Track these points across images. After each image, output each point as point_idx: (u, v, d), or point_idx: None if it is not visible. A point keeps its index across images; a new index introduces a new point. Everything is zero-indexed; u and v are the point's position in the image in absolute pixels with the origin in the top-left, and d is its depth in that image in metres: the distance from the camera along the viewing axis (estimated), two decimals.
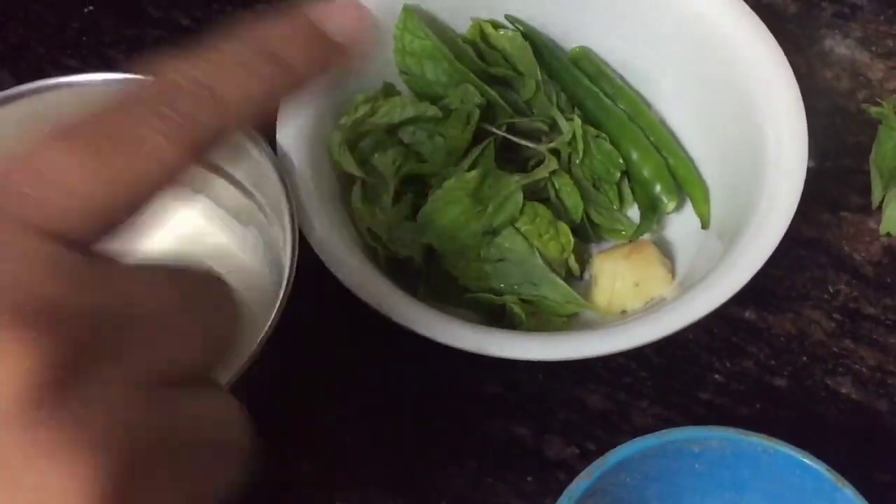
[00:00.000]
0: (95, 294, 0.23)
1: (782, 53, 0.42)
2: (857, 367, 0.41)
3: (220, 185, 0.42)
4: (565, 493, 0.34)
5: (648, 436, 0.35)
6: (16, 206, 0.23)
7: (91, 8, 0.50)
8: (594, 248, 0.43)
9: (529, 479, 0.39)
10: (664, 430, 0.35)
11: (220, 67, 0.25)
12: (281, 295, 0.37)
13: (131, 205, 0.24)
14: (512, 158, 0.43)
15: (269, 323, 0.36)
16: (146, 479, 0.22)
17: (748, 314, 0.42)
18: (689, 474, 0.36)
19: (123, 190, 0.23)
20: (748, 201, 0.39)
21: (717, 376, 0.41)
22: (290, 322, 0.38)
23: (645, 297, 0.40)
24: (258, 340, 0.36)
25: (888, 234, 0.41)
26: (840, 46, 0.49)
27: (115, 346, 0.22)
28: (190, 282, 0.25)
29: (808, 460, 0.34)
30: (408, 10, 0.42)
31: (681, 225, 0.43)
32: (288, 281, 0.37)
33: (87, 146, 0.23)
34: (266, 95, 0.25)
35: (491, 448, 0.40)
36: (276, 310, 0.37)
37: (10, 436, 0.20)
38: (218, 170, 0.42)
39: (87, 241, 0.23)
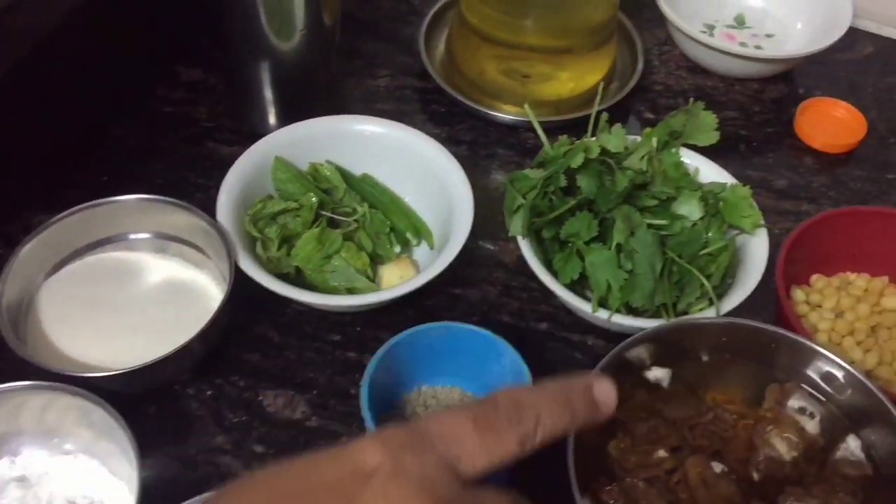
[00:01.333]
0: (468, 501, 0.33)
1: (463, 171, 0.68)
2: (509, 309, 0.68)
3: (187, 249, 0.66)
4: (375, 354, 0.56)
5: (408, 330, 0.58)
6: (439, 448, 0.33)
7: None
8: (380, 265, 0.69)
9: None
10: (417, 327, 0.59)
11: (544, 402, 0.35)
12: (222, 299, 0.60)
13: (488, 466, 0.34)
14: (337, 225, 0.70)
15: (215, 312, 0.59)
16: None
17: (457, 290, 0.69)
18: (428, 349, 0.59)
19: (490, 460, 0.34)
20: (447, 236, 0.66)
21: (444, 321, 0.69)
22: (229, 310, 0.62)
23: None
24: (208, 320, 0.59)
25: (514, 238, 0.66)
26: (489, 170, 0.79)
27: None
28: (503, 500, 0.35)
29: (481, 330, 0.58)
30: (278, 158, 0.69)
31: (422, 248, 0.70)
32: (228, 289, 0.61)
33: (480, 429, 0.34)
34: (559, 428, 0.36)
35: (332, 361, 0.65)
36: (219, 307, 0.60)
37: None
38: (185, 241, 0.68)
39: (465, 478, 0.34)
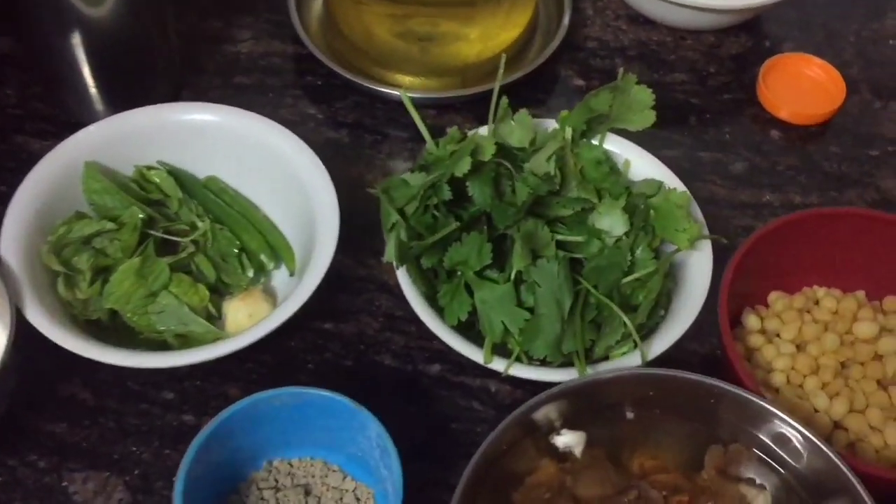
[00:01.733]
0: None
1: (326, 172, 0.57)
2: (393, 347, 0.59)
3: None
4: (196, 438, 0.47)
5: (241, 402, 0.49)
6: None
7: None
8: (228, 297, 0.58)
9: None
10: (256, 395, 0.49)
11: None
12: (2, 356, 0.50)
13: None
14: (173, 248, 0.58)
15: None
16: None
17: (326, 325, 0.59)
18: (277, 417, 0.50)
19: None
20: (310, 256, 0.56)
21: (309, 366, 0.58)
22: (18, 368, 0.52)
23: (256, 322, 0.57)
24: None
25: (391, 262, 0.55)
26: (376, 161, 0.67)
27: None
28: None
29: (338, 397, 0.48)
30: (88, 164, 0.58)
31: (282, 272, 0.60)
32: (8, 342, 0.50)
33: None
34: None
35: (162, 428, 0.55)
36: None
37: None
38: None
39: None
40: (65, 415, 0.55)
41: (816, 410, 0.54)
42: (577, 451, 0.50)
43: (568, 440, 0.50)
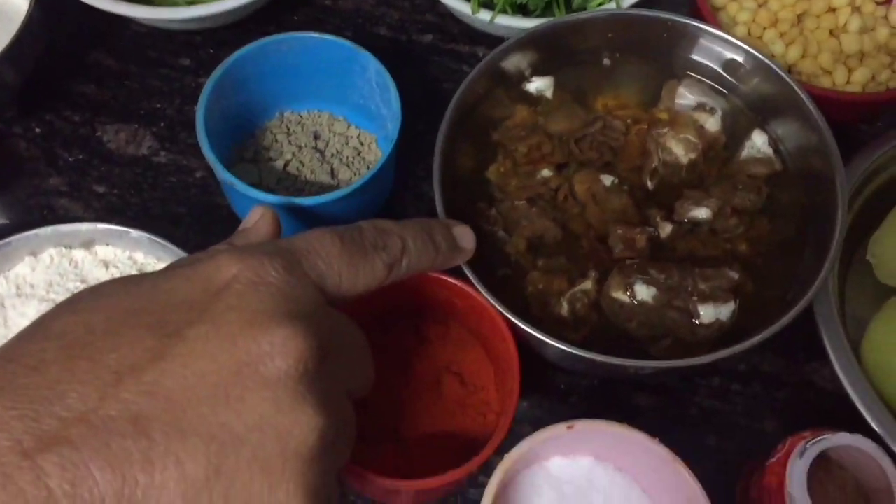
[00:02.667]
0: (328, 323, 0.32)
1: None
2: (388, 20, 0.62)
3: None
4: (211, 76, 0.50)
5: (252, 43, 0.52)
6: (304, 264, 0.33)
7: None
8: None
9: None
10: (263, 39, 0.52)
11: (408, 232, 0.37)
12: (26, 14, 0.53)
13: (353, 289, 0.34)
14: None
15: (18, 29, 0.53)
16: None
17: (327, 2, 0.62)
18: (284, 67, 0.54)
19: (354, 281, 0.34)
20: None
21: None
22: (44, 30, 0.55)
23: None
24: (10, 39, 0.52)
25: None
26: None
27: (329, 351, 0.32)
28: (357, 331, 0.36)
29: (338, 40, 0.51)
30: None
31: None
32: (30, 5, 0.53)
33: (348, 251, 0.34)
34: (425, 260, 0.38)
35: (182, 88, 0.59)
36: (21, 23, 0.53)
37: (290, 380, 0.29)
38: None
39: (328, 297, 0.33)
40: (93, 78, 0.59)
41: (773, 56, 0.58)
42: (548, 93, 0.53)
43: (539, 85, 0.53)
